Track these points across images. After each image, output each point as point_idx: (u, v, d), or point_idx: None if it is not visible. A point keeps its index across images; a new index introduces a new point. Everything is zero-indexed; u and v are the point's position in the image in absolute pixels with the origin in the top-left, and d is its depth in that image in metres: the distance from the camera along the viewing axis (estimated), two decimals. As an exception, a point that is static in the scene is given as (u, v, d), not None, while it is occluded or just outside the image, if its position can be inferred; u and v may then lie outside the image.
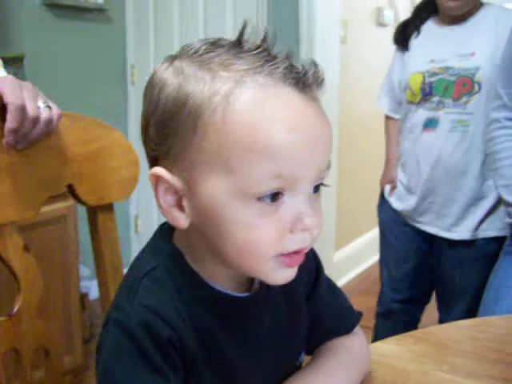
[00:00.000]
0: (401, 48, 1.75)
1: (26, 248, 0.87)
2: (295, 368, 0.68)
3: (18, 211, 0.85)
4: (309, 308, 0.70)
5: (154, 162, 0.58)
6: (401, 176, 1.78)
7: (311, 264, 0.71)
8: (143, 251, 0.62)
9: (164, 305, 0.55)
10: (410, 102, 1.67)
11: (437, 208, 1.68)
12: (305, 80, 0.54)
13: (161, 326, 0.53)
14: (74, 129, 0.93)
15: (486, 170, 1.59)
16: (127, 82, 3.03)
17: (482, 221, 1.65)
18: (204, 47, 0.55)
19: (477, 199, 1.64)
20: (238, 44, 0.54)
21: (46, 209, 1.52)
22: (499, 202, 1.58)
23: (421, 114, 1.65)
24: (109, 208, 0.99)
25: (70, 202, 1.82)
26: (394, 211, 1.81)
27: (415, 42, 1.70)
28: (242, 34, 0.54)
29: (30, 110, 0.82)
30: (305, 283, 0.70)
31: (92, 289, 2.42)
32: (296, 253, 0.56)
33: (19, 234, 0.86)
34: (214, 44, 0.55)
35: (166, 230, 0.62)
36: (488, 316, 1.01)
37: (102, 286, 1.00)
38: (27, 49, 2.42)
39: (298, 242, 0.55)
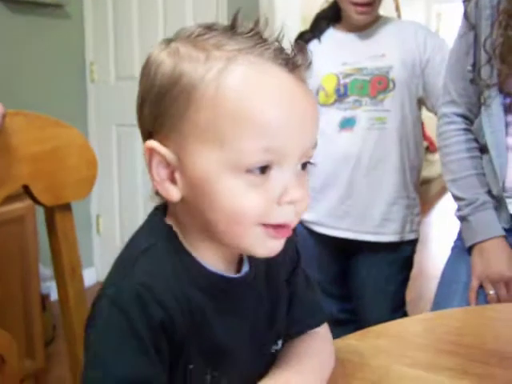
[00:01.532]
0: None
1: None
2: (272, 355, 0.69)
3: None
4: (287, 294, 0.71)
5: (147, 138, 0.60)
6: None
7: (293, 250, 0.72)
8: (139, 230, 0.63)
9: (159, 284, 0.56)
10: (323, 105, 1.65)
11: (357, 212, 1.65)
12: (294, 61, 0.57)
13: (155, 307, 0.54)
14: (29, 128, 0.91)
15: (404, 165, 1.62)
16: (86, 79, 2.98)
17: (405, 222, 1.66)
18: (198, 30, 0.58)
19: (398, 197, 1.64)
20: (231, 28, 0.57)
21: (3, 209, 1.49)
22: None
23: (334, 115, 1.64)
24: (66, 208, 0.97)
25: (29, 201, 1.78)
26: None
27: (318, 49, 1.69)
28: (235, 19, 0.57)
29: None
30: (286, 269, 0.71)
31: (53, 289, 2.37)
32: (282, 226, 0.58)
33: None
34: (209, 28, 0.58)
35: (161, 210, 0.63)
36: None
37: (61, 287, 0.98)
38: (-19, 45, 2.37)
39: (284, 215, 0.57)
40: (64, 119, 0.97)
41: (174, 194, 0.58)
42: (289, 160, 0.56)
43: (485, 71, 1.19)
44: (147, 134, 0.60)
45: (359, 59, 1.64)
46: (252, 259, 0.66)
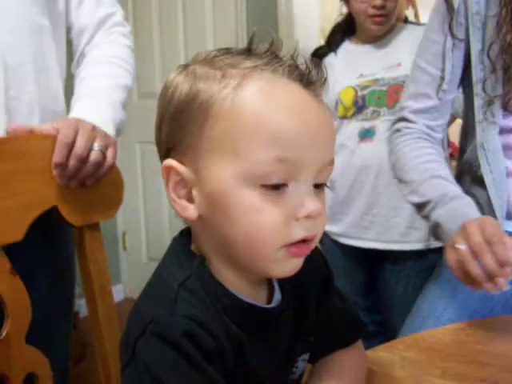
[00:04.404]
0: None
1: (12, 271, 0.86)
2: (292, 381, 0.69)
3: (2, 234, 0.85)
4: (319, 314, 0.70)
5: (165, 156, 0.61)
6: (328, 195, 1.71)
7: (321, 268, 0.72)
8: (167, 259, 0.63)
9: (205, 316, 0.56)
10: (343, 117, 1.67)
11: (382, 221, 1.65)
12: (309, 77, 0.57)
13: (206, 337, 0.54)
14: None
15: None
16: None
17: None
18: (214, 53, 0.59)
19: None
20: (247, 50, 0.59)
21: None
22: None
23: (354, 127, 1.66)
24: (95, 228, 0.99)
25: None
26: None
27: (335, 62, 1.72)
28: (251, 42, 0.58)
29: (78, 149, 0.90)
30: (314, 289, 0.70)
31: (83, 307, 2.40)
32: (303, 242, 0.57)
33: (5, 256, 0.86)
34: (225, 50, 0.59)
35: (185, 236, 0.64)
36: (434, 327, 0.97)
37: (91, 305, 1.00)
38: None
39: (304, 229, 0.57)
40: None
41: (190, 211, 0.58)
42: (305, 174, 0.56)
43: (489, 84, 1.06)
44: (164, 154, 0.61)
45: (375, 70, 1.65)
46: (283, 286, 0.65)
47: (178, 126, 0.58)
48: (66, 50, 1.13)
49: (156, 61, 2.88)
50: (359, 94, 1.65)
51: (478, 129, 1.08)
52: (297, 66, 0.57)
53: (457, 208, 1.02)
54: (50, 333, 1.01)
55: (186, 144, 0.58)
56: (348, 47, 1.75)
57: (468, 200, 1.03)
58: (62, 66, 1.10)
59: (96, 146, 0.92)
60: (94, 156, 0.92)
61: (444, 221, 1.02)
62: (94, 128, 0.94)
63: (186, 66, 0.60)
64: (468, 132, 1.16)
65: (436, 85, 1.14)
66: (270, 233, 0.56)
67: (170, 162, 0.59)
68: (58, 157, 0.90)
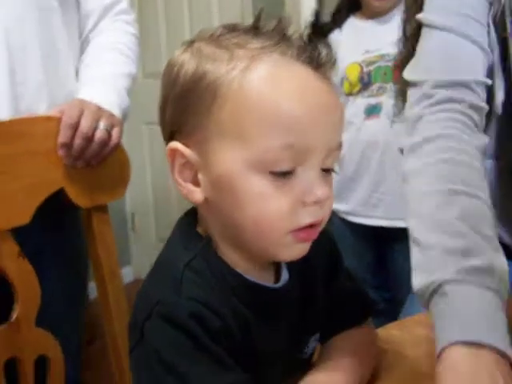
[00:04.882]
0: None
1: (21, 254, 0.86)
2: (304, 359, 0.68)
3: (9, 217, 0.85)
4: (328, 293, 0.70)
5: (169, 139, 0.59)
6: (335, 173, 1.70)
7: (328, 248, 0.71)
8: (173, 240, 0.62)
9: (210, 296, 0.55)
10: (349, 94, 1.66)
11: (390, 198, 1.63)
12: (318, 59, 0.56)
13: (212, 317, 0.54)
14: (61, 132, 0.92)
15: None
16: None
17: None
18: (221, 30, 0.57)
19: None
20: (254, 27, 0.57)
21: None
22: None
23: (360, 103, 1.64)
24: (103, 209, 0.98)
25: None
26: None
27: (341, 38, 1.70)
28: (258, 18, 0.57)
29: (84, 128, 0.90)
30: (323, 269, 0.70)
31: (92, 289, 2.41)
32: (310, 227, 0.57)
33: (12, 240, 0.86)
34: (231, 28, 0.57)
35: (191, 216, 0.63)
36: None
37: (100, 287, 1.00)
38: None
39: (311, 215, 0.56)
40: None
41: (196, 195, 0.58)
42: (313, 158, 0.55)
43: None
44: (169, 136, 0.59)
45: (381, 46, 1.62)
46: (291, 266, 0.64)
47: (184, 107, 0.56)
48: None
49: (161, 39, 2.84)
50: (365, 70, 1.63)
51: None
52: (306, 48, 0.56)
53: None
54: (62, 317, 1.02)
55: (191, 126, 0.56)
56: (353, 23, 1.72)
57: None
58: (74, 51, 1.08)
59: (101, 124, 0.92)
60: (100, 135, 0.92)
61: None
62: (99, 108, 0.94)
63: (191, 43, 0.58)
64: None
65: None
66: (277, 219, 0.55)
67: (175, 144, 0.57)
68: (63, 137, 0.90)
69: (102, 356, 1.06)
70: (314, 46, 0.56)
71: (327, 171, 0.58)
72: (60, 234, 1.04)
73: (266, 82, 0.54)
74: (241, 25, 0.58)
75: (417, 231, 0.69)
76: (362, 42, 1.66)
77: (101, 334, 1.05)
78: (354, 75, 1.64)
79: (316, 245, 0.60)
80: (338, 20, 1.74)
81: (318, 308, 0.69)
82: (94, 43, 1.10)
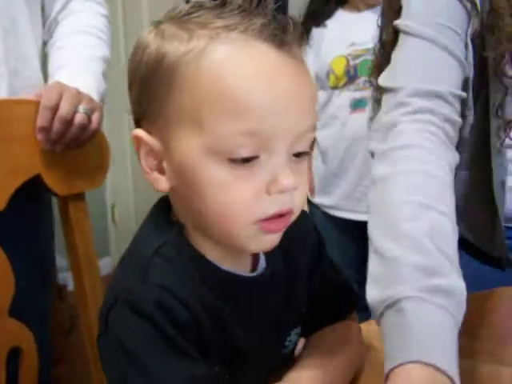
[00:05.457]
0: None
1: (-6, 242, 0.84)
2: (285, 353, 0.67)
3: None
4: (312, 284, 0.69)
5: (137, 125, 0.57)
6: (320, 167, 1.71)
7: (313, 238, 0.69)
8: (145, 226, 0.60)
9: (179, 285, 0.53)
10: (334, 87, 1.65)
11: None
12: (282, 37, 0.52)
13: (179, 308, 0.52)
14: (40, 116, 0.90)
15: None
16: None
17: None
18: (186, 9, 0.55)
19: None
20: (221, 5, 0.54)
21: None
22: None
23: (345, 97, 1.63)
24: (80, 198, 0.96)
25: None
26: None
27: (327, 31, 1.68)
28: None
29: (63, 111, 0.88)
30: (308, 259, 0.68)
31: (70, 280, 2.38)
32: (277, 217, 0.54)
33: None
34: (198, 6, 0.55)
35: (165, 203, 0.61)
36: None
37: (77, 277, 0.98)
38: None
39: (277, 204, 0.53)
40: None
41: (161, 183, 0.56)
42: (277, 145, 0.52)
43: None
44: (135, 123, 0.57)
45: (368, 39, 1.61)
46: (269, 255, 0.62)
47: (147, 90, 0.54)
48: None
49: (145, 26, 2.80)
50: (351, 63, 1.62)
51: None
52: (270, 24, 0.52)
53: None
54: (32, 306, 0.99)
55: (153, 112, 0.54)
56: (341, 15, 1.72)
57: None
58: (36, 33, 1.04)
59: (81, 108, 0.90)
60: (79, 118, 0.89)
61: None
62: (78, 92, 0.91)
63: (158, 24, 0.56)
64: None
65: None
66: (239, 209, 0.53)
67: (138, 131, 0.55)
68: (41, 120, 0.87)
69: (79, 347, 1.05)
70: (278, 23, 0.53)
71: (300, 156, 0.55)
72: (32, 221, 1.02)
73: (222, 63, 0.51)
74: (209, 2, 0.55)
75: (380, 240, 0.68)
76: (348, 34, 1.65)
77: (78, 325, 1.04)
78: (339, 68, 1.63)
79: (296, 231, 0.59)
80: (326, 12, 1.73)
81: (299, 299, 0.67)
82: (63, 25, 1.07)
